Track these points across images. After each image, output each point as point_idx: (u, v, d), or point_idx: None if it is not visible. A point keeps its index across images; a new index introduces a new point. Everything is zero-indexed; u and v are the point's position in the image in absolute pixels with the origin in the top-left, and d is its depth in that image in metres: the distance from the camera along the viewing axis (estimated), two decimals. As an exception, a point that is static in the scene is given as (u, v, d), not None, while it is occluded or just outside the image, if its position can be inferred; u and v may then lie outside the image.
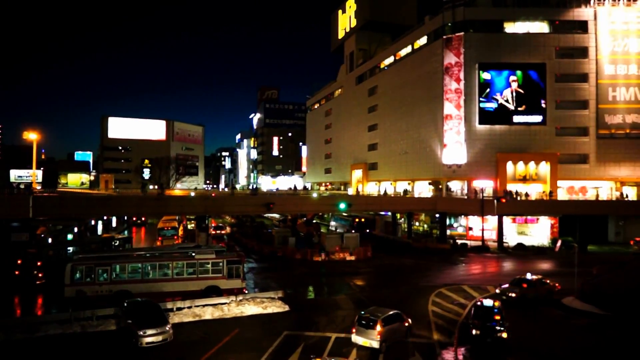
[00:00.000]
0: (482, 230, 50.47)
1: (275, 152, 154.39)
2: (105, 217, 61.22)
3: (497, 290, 28.06)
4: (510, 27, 56.48)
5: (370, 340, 19.56)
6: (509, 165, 54.87)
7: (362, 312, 20.84)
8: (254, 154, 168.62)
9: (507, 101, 55.58)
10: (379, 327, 19.55)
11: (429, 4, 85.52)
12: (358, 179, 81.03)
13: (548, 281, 28.99)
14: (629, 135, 54.94)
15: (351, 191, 78.26)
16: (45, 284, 32.45)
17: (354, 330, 20.33)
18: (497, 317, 20.74)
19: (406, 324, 21.28)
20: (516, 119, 55.38)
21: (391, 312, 20.92)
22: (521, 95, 55.31)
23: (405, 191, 61.11)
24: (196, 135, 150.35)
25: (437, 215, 55.35)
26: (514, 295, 26.81)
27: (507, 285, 28.08)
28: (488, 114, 55.63)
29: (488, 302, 21.96)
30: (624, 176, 55.07)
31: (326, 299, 29.70)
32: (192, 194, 57.96)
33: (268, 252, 48.03)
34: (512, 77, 55.45)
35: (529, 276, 28.62)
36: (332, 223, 66.05)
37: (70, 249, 36.96)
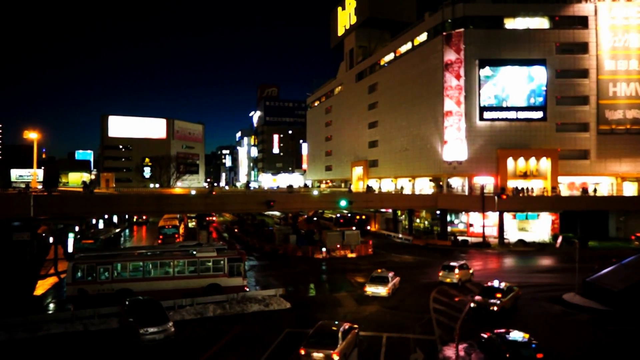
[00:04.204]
0: (483, 226, 50.45)
1: (276, 150, 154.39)
2: (106, 216, 61.32)
3: (472, 305, 24.18)
4: (510, 23, 56.35)
5: (452, 278, 30.92)
6: (510, 161, 54.84)
7: (445, 263, 32.23)
8: (254, 152, 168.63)
9: (507, 97, 55.50)
10: (457, 270, 31.07)
11: (429, 0, 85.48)
12: (359, 176, 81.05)
13: (515, 287, 26.46)
14: (630, 130, 54.85)
15: (352, 188, 78.26)
16: None
17: (440, 274, 31.52)
18: (540, 356, 16.60)
19: (471, 271, 32.52)
20: (516, 115, 55.30)
21: (462, 262, 32.80)
22: (521, 91, 55.21)
23: (369, 188, 61.02)
24: (196, 133, 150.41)
25: (438, 212, 55.35)
26: (496, 308, 23.69)
27: (479, 297, 24.64)
28: (488, 110, 55.56)
29: (517, 335, 17.95)
30: (624, 172, 55.03)
31: (327, 296, 29.75)
32: (193, 192, 57.99)
33: (269, 249, 48.09)
34: (513, 73, 55.37)
35: (497, 284, 25.66)
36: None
37: None
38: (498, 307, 23.80)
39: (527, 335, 17.85)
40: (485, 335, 19.23)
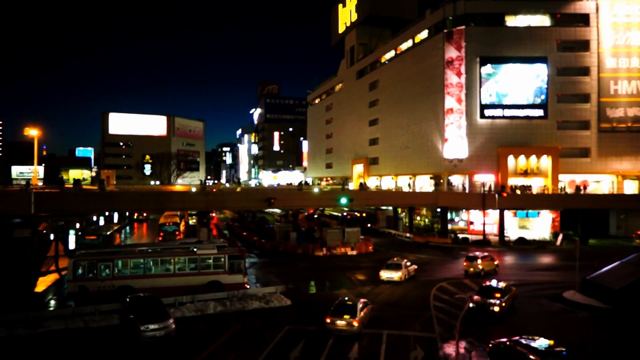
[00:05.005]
0: (484, 224, 50.44)
1: (276, 147, 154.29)
2: (107, 213, 61.30)
3: (471, 305, 23.15)
4: (512, 21, 56.24)
5: (475, 268, 33.51)
6: (510, 159, 54.79)
7: (468, 254, 35.23)
8: (254, 149, 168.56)
9: (508, 95, 55.42)
10: (479, 261, 33.79)
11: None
12: (359, 174, 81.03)
13: (512, 287, 25.92)
14: (631, 128, 54.76)
15: (352, 186, 78.20)
16: None
17: (464, 263, 34.32)
18: None
19: (495, 262, 35.12)
20: (517, 112, 55.25)
21: (486, 254, 35.74)
22: (522, 89, 55.14)
23: (362, 186, 61.71)
24: (197, 130, 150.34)
25: (439, 210, 55.32)
26: (497, 309, 23.09)
27: (478, 297, 23.85)
28: (489, 108, 55.51)
29: (542, 343, 16.36)
30: (625, 170, 54.98)
31: (328, 293, 29.77)
32: (193, 189, 57.98)
33: (269, 247, 48.12)
34: (514, 71, 55.27)
35: (495, 283, 25.08)
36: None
37: None
38: (499, 308, 23.15)
39: (552, 342, 16.32)
40: (499, 342, 17.49)
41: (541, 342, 16.54)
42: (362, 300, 22.62)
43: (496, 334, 20.99)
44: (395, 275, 31.72)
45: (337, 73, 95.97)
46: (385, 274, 32.10)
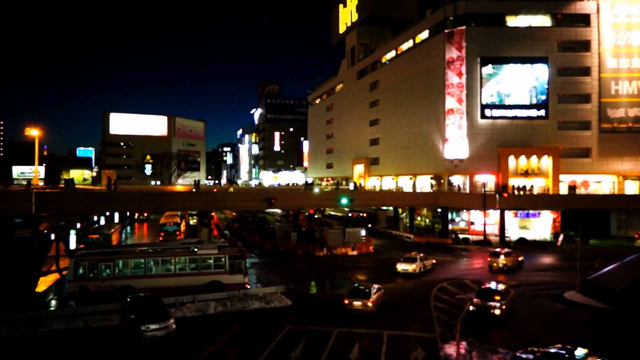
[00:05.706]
0: (484, 224, 50.44)
1: (277, 147, 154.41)
2: (107, 213, 61.34)
3: (471, 308, 23.18)
4: (512, 21, 56.24)
5: (499, 262, 35.52)
6: (511, 159, 54.80)
7: (492, 250, 37.64)
8: (255, 149, 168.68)
9: (509, 95, 55.41)
10: (502, 257, 35.72)
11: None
12: (360, 174, 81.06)
13: (510, 289, 25.45)
14: (631, 129, 54.75)
15: (352, 186, 78.29)
16: None
17: (488, 259, 36.58)
18: None
19: (520, 258, 36.93)
20: (518, 113, 55.25)
21: (509, 250, 37.81)
22: (523, 89, 55.15)
23: (355, 185, 61.79)
24: (197, 130, 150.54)
25: (439, 210, 55.33)
26: (498, 312, 22.50)
27: (477, 300, 23.32)
28: (490, 108, 55.52)
29: (580, 352, 14.80)
30: (626, 170, 54.95)
31: (328, 293, 29.79)
32: (193, 189, 58.00)
33: (270, 247, 48.14)
34: (514, 71, 55.26)
35: (494, 285, 24.56)
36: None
37: None
38: (499, 311, 22.60)
39: (587, 350, 15.05)
40: (522, 354, 15.81)
41: (578, 352, 14.91)
42: (375, 285, 25.61)
43: (497, 336, 21.03)
44: (410, 267, 34.28)
45: (337, 73, 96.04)
46: (401, 266, 34.70)
